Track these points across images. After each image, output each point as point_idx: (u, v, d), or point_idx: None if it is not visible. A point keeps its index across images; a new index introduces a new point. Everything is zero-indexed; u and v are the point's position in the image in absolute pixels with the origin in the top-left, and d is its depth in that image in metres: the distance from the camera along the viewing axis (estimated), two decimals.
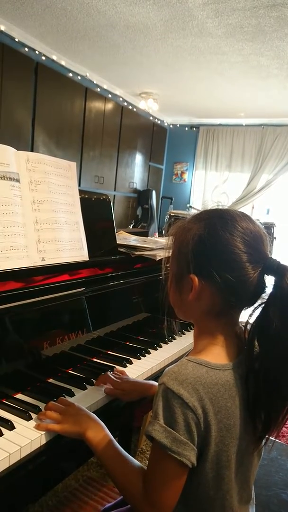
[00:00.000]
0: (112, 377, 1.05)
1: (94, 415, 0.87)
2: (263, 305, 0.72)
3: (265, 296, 0.73)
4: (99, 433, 0.82)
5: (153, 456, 0.73)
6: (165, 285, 0.82)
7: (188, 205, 6.55)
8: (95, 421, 0.85)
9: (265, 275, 0.72)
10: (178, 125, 7.25)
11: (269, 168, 6.44)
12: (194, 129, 7.14)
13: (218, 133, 6.86)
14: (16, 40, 3.97)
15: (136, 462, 0.79)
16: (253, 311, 0.73)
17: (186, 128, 7.19)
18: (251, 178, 6.59)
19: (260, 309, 0.72)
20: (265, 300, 0.72)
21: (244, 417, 0.73)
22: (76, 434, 0.83)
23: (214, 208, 0.79)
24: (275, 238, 4.72)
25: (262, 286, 0.72)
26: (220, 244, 0.71)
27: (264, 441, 0.77)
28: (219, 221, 0.73)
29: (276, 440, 0.83)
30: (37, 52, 4.22)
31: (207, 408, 0.69)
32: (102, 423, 0.85)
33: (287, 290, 0.68)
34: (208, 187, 7.06)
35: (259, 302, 0.73)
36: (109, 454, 0.80)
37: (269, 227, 4.68)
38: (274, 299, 0.70)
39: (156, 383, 1.05)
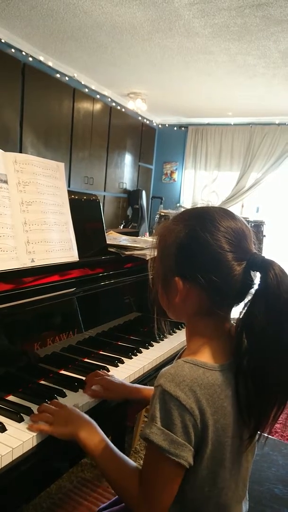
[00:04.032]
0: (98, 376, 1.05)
1: (86, 415, 0.86)
2: (249, 301, 0.72)
3: (253, 291, 0.72)
4: (93, 434, 0.82)
5: (149, 457, 0.73)
6: (153, 286, 0.82)
7: (178, 205, 6.57)
8: (88, 422, 0.84)
9: (251, 271, 0.71)
10: (167, 125, 7.27)
11: (258, 166, 6.49)
12: (183, 128, 7.15)
13: (206, 133, 6.89)
14: (2, 41, 3.94)
15: (131, 462, 0.79)
16: (244, 308, 0.73)
17: (175, 128, 7.21)
18: (240, 176, 6.63)
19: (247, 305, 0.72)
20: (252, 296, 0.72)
21: (238, 416, 0.73)
22: (69, 436, 0.82)
23: (195, 207, 0.79)
24: (264, 236, 4.75)
25: (249, 283, 0.72)
26: (201, 246, 0.71)
27: (256, 438, 0.78)
28: (199, 223, 0.73)
29: (268, 436, 0.84)
30: (24, 53, 4.20)
31: (204, 409, 0.68)
32: (95, 424, 0.84)
33: (271, 285, 0.68)
34: (197, 186, 7.08)
35: (248, 298, 0.73)
36: (103, 454, 0.79)
37: (258, 225, 4.71)
38: (259, 295, 0.70)
39: (141, 387, 1.05)
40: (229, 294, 0.72)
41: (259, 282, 0.70)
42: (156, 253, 0.80)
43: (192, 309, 0.76)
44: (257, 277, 0.73)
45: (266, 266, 0.69)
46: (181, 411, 0.67)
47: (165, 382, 0.69)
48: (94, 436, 0.81)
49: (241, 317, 0.72)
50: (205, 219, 0.73)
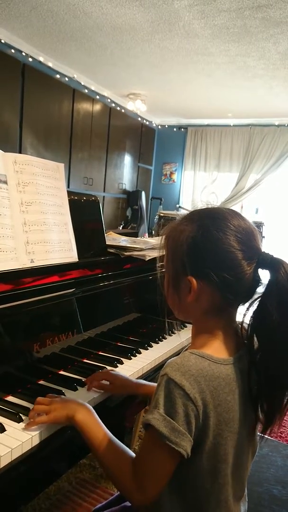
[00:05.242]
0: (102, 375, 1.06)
1: (82, 400, 0.87)
2: (259, 299, 0.73)
3: (260, 290, 0.74)
4: (89, 416, 0.82)
5: (147, 443, 0.73)
6: (161, 287, 0.83)
7: (177, 206, 6.57)
8: (83, 405, 0.85)
9: (260, 269, 0.73)
10: (166, 126, 7.27)
11: (257, 168, 6.49)
12: (182, 129, 7.16)
13: (206, 134, 6.90)
14: (2, 41, 3.95)
15: (127, 449, 0.79)
16: (248, 308, 0.75)
17: (175, 129, 7.21)
18: (240, 178, 6.63)
19: (256, 303, 0.74)
20: (260, 294, 0.73)
21: (242, 412, 0.74)
22: (66, 418, 0.82)
23: (204, 207, 0.80)
24: (264, 237, 4.76)
25: (257, 281, 0.74)
26: (214, 244, 0.72)
27: (260, 438, 0.79)
28: (212, 222, 0.74)
29: (267, 436, 0.84)
30: (23, 53, 4.20)
31: (207, 401, 0.70)
32: (91, 407, 0.85)
33: (283, 282, 0.70)
34: (197, 187, 7.09)
35: (254, 297, 0.75)
36: (99, 437, 0.79)
37: (258, 226, 4.71)
38: (271, 292, 0.71)
39: (146, 383, 1.05)
40: (240, 292, 0.74)
41: (268, 280, 0.72)
42: (164, 254, 0.81)
43: (204, 307, 0.77)
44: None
45: (276, 265, 0.71)
46: (185, 400, 0.68)
47: (171, 371, 0.70)
48: (90, 418, 0.82)
49: (252, 314, 0.73)
50: (217, 219, 0.74)
